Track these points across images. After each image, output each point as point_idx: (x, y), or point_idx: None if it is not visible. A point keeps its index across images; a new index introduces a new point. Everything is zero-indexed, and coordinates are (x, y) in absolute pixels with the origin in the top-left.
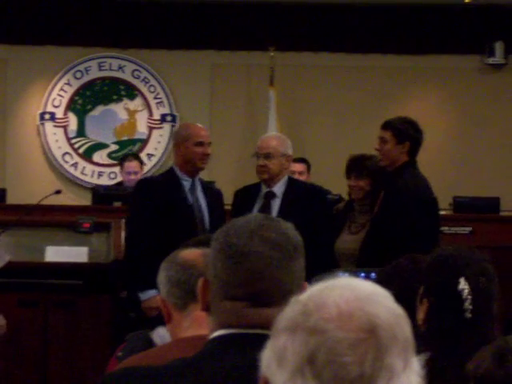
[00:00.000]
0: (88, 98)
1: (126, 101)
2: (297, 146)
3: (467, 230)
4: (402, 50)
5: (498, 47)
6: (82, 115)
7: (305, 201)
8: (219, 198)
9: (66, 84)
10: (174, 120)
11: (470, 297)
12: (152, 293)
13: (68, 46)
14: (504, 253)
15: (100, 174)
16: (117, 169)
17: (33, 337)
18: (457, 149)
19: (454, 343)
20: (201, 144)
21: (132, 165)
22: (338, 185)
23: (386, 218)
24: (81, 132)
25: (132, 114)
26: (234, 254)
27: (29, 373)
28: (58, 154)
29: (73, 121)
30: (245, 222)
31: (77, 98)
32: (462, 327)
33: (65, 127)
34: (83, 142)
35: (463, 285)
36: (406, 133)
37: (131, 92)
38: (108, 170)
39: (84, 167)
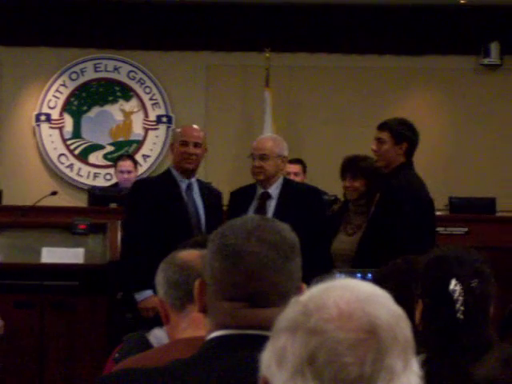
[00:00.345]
0: (83, 100)
1: (121, 102)
2: (293, 147)
3: (463, 230)
4: (397, 50)
5: (494, 48)
6: (77, 116)
7: (300, 202)
8: (218, 199)
9: (61, 85)
10: (169, 121)
11: (461, 298)
12: (148, 293)
13: (63, 48)
14: (500, 253)
15: (96, 176)
16: (112, 170)
17: (29, 338)
18: (452, 149)
19: (447, 344)
20: (185, 143)
21: (125, 164)
22: (333, 186)
23: (382, 219)
24: (76, 133)
25: (127, 115)
26: (230, 255)
27: (26, 374)
28: (53, 155)
29: (68, 122)
30: (241, 223)
31: (72, 99)
32: (454, 328)
33: (60, 128)
34: (79, 143)
35: (454, 286)
36: (403, 134)
37: (127, 93)
38: (104, 171)
39: (80, 168)
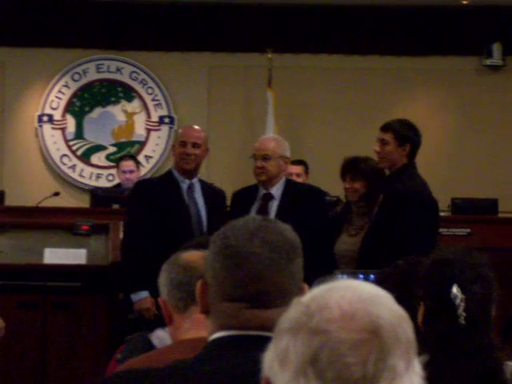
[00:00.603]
0: (86, 100)
1: (123, 103)
2: (295, 148)
3: (465, 231)
4: (399, 51)
5: (496, 49)
6: (80, 117)
7: (303, 202)
8: (221, 198)
9: (64, 86)
10: (172, 122)
11: (462, 304)
12: (143, 294)
13: (66, 48)
14: (502, 254)
15: (98, 176)
16: (115, 171)
17: (31, 338)
18: (455, 150)
19: (448, 348)
20: (183, 144)
21: (127, 164)
22: (335, 187)
23: (385, 219)
24: (79, 134)
25: (130, 115)
26: (232, 256)
27: (28, 374)
28: (56, 156)
29: (71, 123)
30: (243, 224)
31: (75, 100)
32: (456, 333)
33: (63, 129)
34: (81, 144)
35: (456, 292)
36: (406, 135)
37: (129, 94)
38: (106, 172)
39: (82, 169)
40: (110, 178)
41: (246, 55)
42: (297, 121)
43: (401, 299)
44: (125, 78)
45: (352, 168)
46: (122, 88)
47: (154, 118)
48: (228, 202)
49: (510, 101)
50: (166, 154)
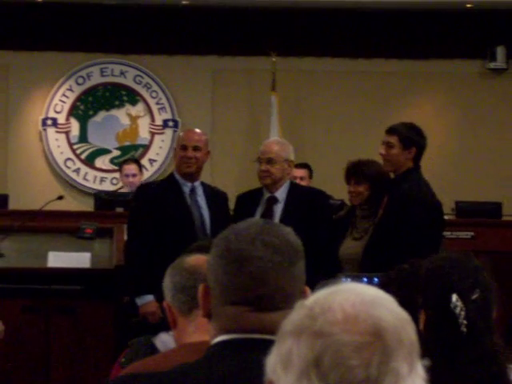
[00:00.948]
0: (90, 104)
1: (127, 106)
2: (299, 151)
3: (469, 234)
4: (403, 55)
5: (500, 52)
6: (84, 121)
7: (307, 205)
8: (223, 201)
9: (67, 90)
10: (175, 125)
11: (463, 312)
12: (148, 298)
13: (70, 52)
14: (505, 258)
15: (102, 180)
16: (119, 174)
17: (35, 342)
18: (459, 153)
19: (451, 356)
20: (184, 147)
21: (130, 167)
22: (339, 190)
23: (390, 223)
24: (83, 138)
25: (134, 119)
26: (235, 259)
27: (31, 378)
28: (60, 159)
29: (75, 126)
30: (245, 227)
31: (79, 103)
32: (458, 341)
33: (67, 133)
34: (85, 147)
35: (455, 301)
36: (412, 139)
37: (133, 97)
38: (110, 175)
39: (86, 173)
40: (114, 181)
41: (250, 59)
42: (301, 124)
43: (404, 302)
44: (129, 81)
45: (356, 171)
46: (126, 92)
47: (158, 121)
48: (231, 205)
49: None
50: (170, 157)
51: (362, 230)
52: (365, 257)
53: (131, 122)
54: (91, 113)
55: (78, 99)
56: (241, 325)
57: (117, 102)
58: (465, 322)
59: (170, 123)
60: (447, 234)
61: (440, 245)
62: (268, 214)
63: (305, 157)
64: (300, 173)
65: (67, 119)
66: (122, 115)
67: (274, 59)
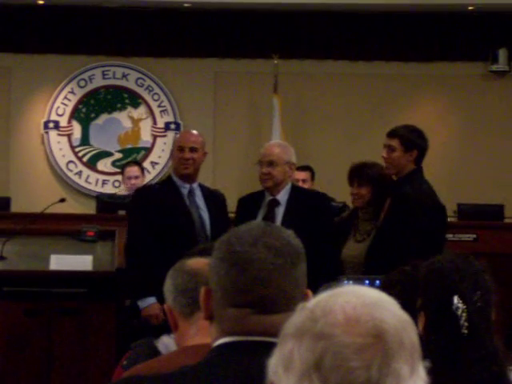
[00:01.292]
0: (92, 107)
1: (129, 109)
2: (301, 154)
3: (471, 237)
4: (405, 57)
5: (502, 54)
6: (85, 124)
7: (308, 208)
8: (222, 202)
9: (69, 92)
10: (177, 128)
11: (464, 314)
12: (150, 300)
13: (72, 55)
14: (508, 260)
15: (104, 183)
16: (121, 177)
17: (38, 345)
18: (461, 155)
19: (451, 358)
20: (181, 149)
21: (132, 169)
22: (342, 193)
23: (393, 225)
24: (85, 140)
25: (136, 122)
26: (237, 262)
27: (34, 381)
28: (62, 162)
29: (77, 129)
30: (247, 230)
31: (81, 106)
32: (459, 343)
33: (69, 136)
34: (87, 150)
35: (457, 303)
36: (413, 141)
37: (135, 100)
38: (112, 178)
39: (88, 175)
40: (116, 184)
41: (251, 61)
42: (303, 127)
43: (406, 304)
44: (131, 84)
45: (359, 173)
46: (127, 94)
47: (160, 124)
48: (231, 207)
49: None
50: (171, 160)
51: (365, 233)
52: (367, 259)
53: (133, 125)
54: (93, 115)
55: (80, 102)
56: (243, 327)
57: (119, 105)
58: (466, 323)
59: (172, 126)
60: (449, 236)
61: (444, 247)
62: (269, 216)
63: (307, 159)
64: (302, 175)
65: (69, 122)
66: (123, 118)
67: (276, 62)
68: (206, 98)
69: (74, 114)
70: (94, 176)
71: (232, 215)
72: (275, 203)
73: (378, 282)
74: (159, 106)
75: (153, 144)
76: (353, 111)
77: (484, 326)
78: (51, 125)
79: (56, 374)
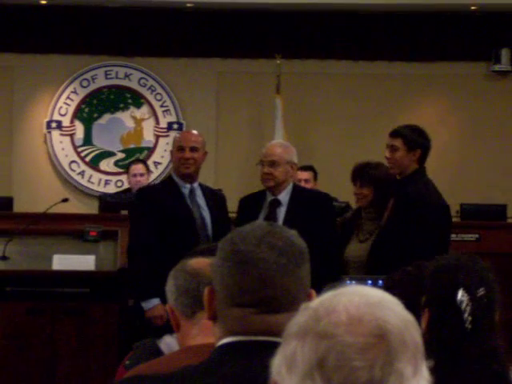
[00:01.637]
0: (94, 107)
1: (132, 109)
2: (303, 154)
3: (474, 237)
4: (408, 57)
5: (504, 54)
6: (88, 123)
7: (310, 208)
8: (222, 201)
9: (72, 92)
10: (180, 128)
11: (468, 308)
12: (155, 301)
13: (74, 55)
14: (511, 260)
15: (107, 183)
16: (123, 177)
17: (40, 344)
18: (463, 155)
19: (454, 354)
20: (181, 149)
21: (138, 167)
22: (344, 192)
23: (396, 225)
24: (87, 140)
25: (139, 122)
26: (241, 261)
27: (37, 380)
28: (64, 162)
29: (79, 129)
30: (251, 230)
31: (83, 106)
32: (462, 338)
33: (71, 135)
34: (90, 150)
35: (461, 296)
36: (416, 141)
37: (138, 100)
38: (115, 178)
39: (91, 175)
40: (119, 184)
41: (254, 61)
42: (305, 127)
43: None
44: (133, 84)
45: (361, 174)
46: (130, 94)
47: (163, 124)
48: (232, 207)
49: None
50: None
51: (368, 233)
52: (370, 259)
53: (136, 125)
54: (96, 115)
55: (83, 102)
56: (246, 327)
57: (121, 105)
58: (470, 318)
59: (175, 126)
60: (452, 236)
61: (449, 246)
62: (271, 216)
63: (309, 159)
64: (305, 175)
65: (72, 122)
66: (126, 118)
67: (278, 62)
68: (209, 98)
69: (77, 114)
70: (96, 176)
71: (233, 215)
72: (277, 203)
73: (380, 282)
74: (162, 106)
75: (155, 144)
76: (355, 111)
77: (487, 323)
78: (54, 125)
79: (59, 373)
